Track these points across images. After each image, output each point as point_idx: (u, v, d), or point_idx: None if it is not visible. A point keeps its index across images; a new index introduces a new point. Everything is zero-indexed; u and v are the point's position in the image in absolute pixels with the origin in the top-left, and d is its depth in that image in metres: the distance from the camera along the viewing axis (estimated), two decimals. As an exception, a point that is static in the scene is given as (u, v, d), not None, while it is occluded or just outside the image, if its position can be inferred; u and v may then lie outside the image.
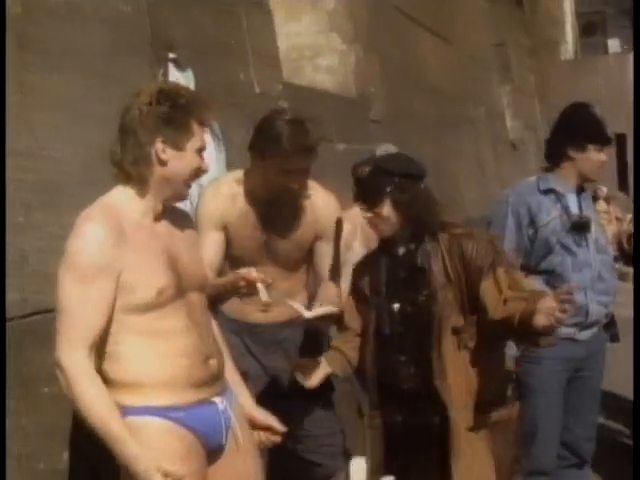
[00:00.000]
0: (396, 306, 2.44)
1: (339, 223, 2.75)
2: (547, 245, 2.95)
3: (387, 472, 2.53)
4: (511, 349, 2.86)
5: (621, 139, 13.73)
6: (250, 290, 2.35)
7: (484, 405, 2.38)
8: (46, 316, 2.36)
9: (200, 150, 2.00)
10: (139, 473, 1.85)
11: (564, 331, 2.81)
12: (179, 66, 3.14)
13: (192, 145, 1.97)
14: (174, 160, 1.95)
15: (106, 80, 2.82)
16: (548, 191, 3.02)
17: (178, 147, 1.94)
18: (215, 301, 2.46)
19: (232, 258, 2.65)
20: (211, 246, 2.59)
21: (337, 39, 5.63)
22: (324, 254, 2.73)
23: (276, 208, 2.61)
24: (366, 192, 2.43)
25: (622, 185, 15.41)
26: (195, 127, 1.97)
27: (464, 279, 2.38)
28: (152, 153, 1.93)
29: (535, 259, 2.99)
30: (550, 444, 3.00)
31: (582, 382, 3.06)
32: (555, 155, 3.06)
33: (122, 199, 1.98)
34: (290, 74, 5.23)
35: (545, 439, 2.98)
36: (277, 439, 2.23)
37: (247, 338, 2.72)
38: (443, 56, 7.61)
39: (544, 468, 3.01)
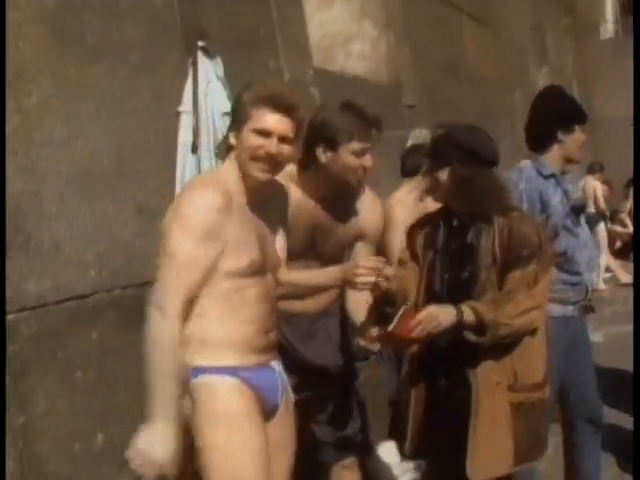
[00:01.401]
0: (445, 276, 2.47)
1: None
2: (554, 229, 2.98)
3: (422, 439, 2.57)
4: None
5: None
6: (367, 282, 2.33)
7: (516, 386, 2.40)
8: (79, 302, 2.45)
9: (262, 133, 2.13)
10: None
11: (569, 309, 3.01)
12: (208, 54, 3.17)
13: (248, 127, 2.12)
14: (238, 144, 2.15)
15: (139, 71, 2.87)
16: (549, 176, 3.02)
17: (240, 131, 2.14)
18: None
19: None
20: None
21: (369, 26, 5.60)
22: (360, 254, 2.76)
23: (328, 206, 2.65)
24: (432, 153, 2.50)
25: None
26: (255, 112, 2.12)
27: (503, 261, 2.39)
28: (226, 138, 2.19)
29: None
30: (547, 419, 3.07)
31: (581, 350, 3.14)
32: (543, 139, 3.05)
33: (228, 175, 2.17)
34: (322, 61, 5.24)
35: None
36: None
37: (284, 326, 2.76)
38: (481, 41, 7.52)
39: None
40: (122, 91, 2.76)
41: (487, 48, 7.67)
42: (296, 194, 2.60)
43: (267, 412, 2.19)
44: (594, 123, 11.84)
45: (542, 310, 2.43)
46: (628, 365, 3.46)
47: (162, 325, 2.02)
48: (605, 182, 10.48)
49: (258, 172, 2.15)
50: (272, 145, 2.13)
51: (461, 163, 2.42)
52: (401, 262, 2.60)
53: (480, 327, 2.30)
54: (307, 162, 2.61)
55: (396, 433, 2.74)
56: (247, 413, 2.09)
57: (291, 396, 2.31)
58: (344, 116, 2.53)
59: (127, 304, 2.62)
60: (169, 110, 2.93)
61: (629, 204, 10.46)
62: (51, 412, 2.30)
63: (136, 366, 2.59)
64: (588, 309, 3.15)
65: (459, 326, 2.31)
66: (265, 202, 2.26)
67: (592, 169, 10.32)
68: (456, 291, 2.42)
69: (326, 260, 2.68)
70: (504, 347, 2.41)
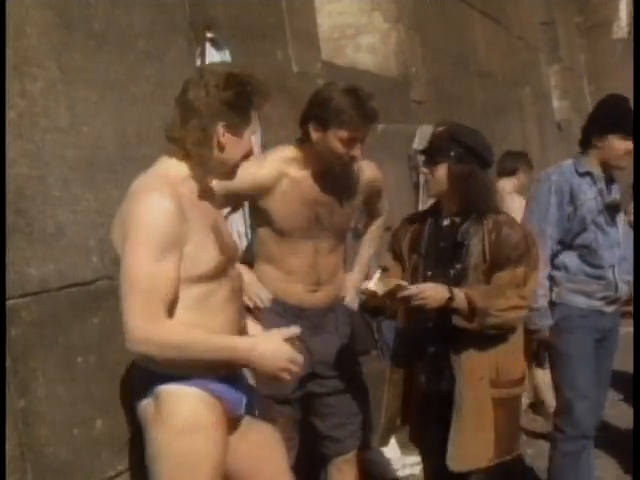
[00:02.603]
0: (429, 273, 2.50)
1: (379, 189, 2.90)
2: (583, 223, 3.14)
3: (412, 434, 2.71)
4: (547, 319, 3.13)
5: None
6: None
7: (498, 381, 2.47)
8: (81, 288, 2.45)
9: (251, 135, 2.09)
10: (268, 361, 2.01)
11: (594, 303, 3.15)
12: (217, 46, 3.16)
13: (249, 133, 2.05)
14: (231, 145, 2.02)
15: (146, 59, 2.86)
16: (585, 174, 3.19)
17: (237, 133, 2.01)
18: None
19: (280, 233, 2.65)
20: None
21: (379, 18, 5.59)
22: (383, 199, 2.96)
23: (329, 181, 2.65)
24: (431, 148, 2.56)
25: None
26: (253, 115, 2.05)
27: (492, 261, 2.46)
28: (214, 136, 1.99)
29: (572, 234, 3.17)
30: (591, 406, 3.18)
31: (603, 352, 3.25)
32: (583, 142, 3.27)
33: (177, 172, 2.03)
34: (331, 53, 5.23)
35: (586, 401, 3.16)
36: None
37: (294, 321, 2.76)
38: (492, 37, 7.48)
39: (587, 431, 3.19)
40: (127, 78, 2.75)
41: (498, 44, 7.64)
42: (294, 172, 2.60)
43: (231, 422, 2.14)
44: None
45: (526, 310, 2.53)
46: (628, 365, 3.48)
47: (162, 331, 1.95)
48: None
49: (231, 175, 2.10)
50: (253, 149, 2.17)
51: (458, 160, 2.48)
52: (384, 269, 2.63)
53: (470, 313, 2.35)
54: (302, 135, 2.62)
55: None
56: (210, 427, 2.03)
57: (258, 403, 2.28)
58: (342, 100, 2.51)
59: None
60: (174, 97, 2.92)
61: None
62: (51, 397, 2.30)
63: (135, 355, 2.61)
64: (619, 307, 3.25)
65: (448, 309, 2.35)
66: (210, 191, 2.17)
67: None
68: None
69: (336, 232, 2.70)
70: (489, 341, 2.47)
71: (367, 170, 2.78)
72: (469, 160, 2.49)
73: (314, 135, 2.56)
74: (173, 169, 2.04)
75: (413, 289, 2.34)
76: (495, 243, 2.46)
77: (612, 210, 3.20)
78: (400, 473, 3.82)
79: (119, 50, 2.74)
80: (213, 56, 3.18)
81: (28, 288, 2.28)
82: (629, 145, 3.17)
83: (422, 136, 5.36)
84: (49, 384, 2.30)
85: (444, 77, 6.11)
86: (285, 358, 2.04)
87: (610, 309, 3.22)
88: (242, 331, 2.15)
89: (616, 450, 3.91)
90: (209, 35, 3.16)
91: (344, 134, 2.52)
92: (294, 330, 2.10)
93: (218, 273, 2.04)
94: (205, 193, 2.09)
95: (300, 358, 2.08)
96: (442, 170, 2.50)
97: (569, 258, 3.16)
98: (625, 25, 15.70)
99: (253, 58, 3.51)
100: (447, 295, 2.36)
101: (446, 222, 2.57)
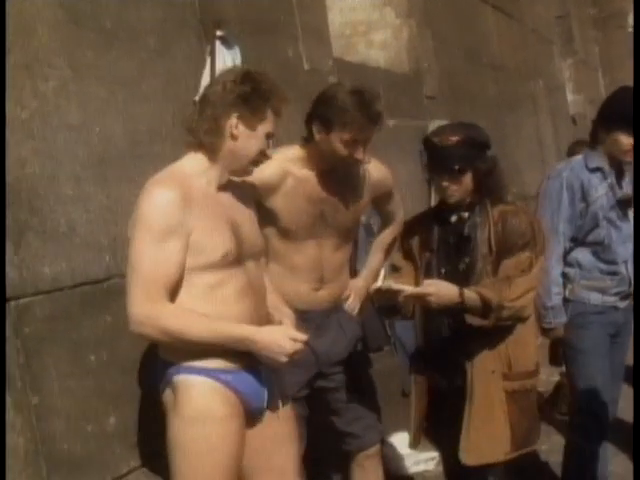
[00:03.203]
0: (442, 270, 2.52)
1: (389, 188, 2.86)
2: (595, 219, 3.12)
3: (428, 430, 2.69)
4: (562, 316, 3.12)
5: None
6: None
7: (511, 374, 2.48)
8: (94, 286, 2.47)
9: (269, 135, 2.13)
10: (272, 348, 2.04)
11: (609, 299, 3.14)
12: (226, 43, 3.16)
13: (263, 128, 2.10)
14: (244, 137, 2.09)
15: (156, 56, 2.88)
16: (596, 169, 3.16)
17: (250, 126, 2.08)
18: None
19: (285, 232, 2.65)
20: None
21: (391, 14, 5.57)
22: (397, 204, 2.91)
23: (334, 179, 2.64)
24: (451, 160, 2.47)
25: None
26: (269, 113, 2.10)
27: (498, 251, 2.47)
28: (226, 126, 2.07)
29: (584, 231, 3.14)
30: (607, 401, 3.17)
31: (617, 347, 3.24)
32: (592, 136, 3.26)
33: (191, 167, 2.11)
34: (343, 50, 5.22)
35: (603, 397, 3.14)
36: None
37: (299, 323, 2.76)
38: (505, 32, 7.44)
39: (604, 426, 3.19)
40: (138, 75, 2.77)
41: (511, 37, 7.59)
42: (299, 171, 2.60)
43: (251, 414, 2.17)
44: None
45: (535, 292, 2.53)
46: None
47: (162, 326, 1.99)
48: None
49: (250, 171, 2.17)
50: (269, 147, 2.16)
51: (482, 160, 2.49)
52: (395, 268, 2.65)
53: (485, 310, 2.33)
54: (307, 134, 2.61)
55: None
56: (221, 418, 2.06)
57: (278, 398, 2.26)
58: (347, 102, 2.48)
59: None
60: (185, 94, 2.93)
61: None
62: (64, 393, 2.32)
63: (148, 350, 2.63)
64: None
65: (460, 309, 2.34)
66: (238, 187, 2.22)
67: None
68: (454, 282, 2.44)
69: (340, 231, 2.70)
70: (497, 334, 2.47)
71: (374, 170, 2.75)
72: (484, 156, 2.50)
73: (317, 136, 2.54)
74: (189, 163, 2.12)
75: (415, 289, 2.33)
76: (502, 233, 2.46)
77: (624, 205, 3.17)
78: (414, 469, 3.82)
79: (129, 47, 2.76)
80: (223, 54, 3.17)
81: (41, 286, 2.30)
82: (628, 140, 3.09)
83: (435, 131, 5.36)
84: (62, 380, 2.32)
85: (456, 71, 6.09)
86: (286, 349, 2.06)
87: (623, 304, 3.19)
88: (259, 324, 2.15)
89: (629, 444, 3.89)
90: (219, 33, 3.15)
91: (346, 136, 2.49)
92: (302, 336, 2.11)
93: (227, 263, 2.07)
94: (225, 187, 2.15)
95: (301, 350, 2.10)
96: (468, 178, 2.48)
97: (582, 255, 3.14)
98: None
99: (264, 55, 3.51)
100: (457, 298, 2.34)
101: (454, 218, 2.56)
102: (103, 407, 2.44)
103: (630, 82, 3.76)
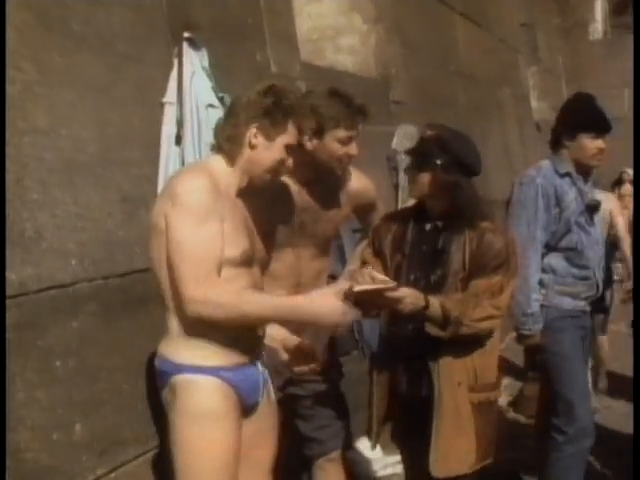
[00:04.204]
0: (412, 277, 2.50)
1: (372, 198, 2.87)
2: (567, 224, 3.15)
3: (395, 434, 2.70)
4: (540, 323, 3.14)
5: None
6: None
7: (477, 386, 2.48)
8: (61, 291, 2.43)
9: (288, 147, 2.22)
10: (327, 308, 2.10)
11: (579, 304, 3.18)
12: (194, 45, 3.14)
13: (282, 140, 2.20)
14: (262, 147, 2.19)
15: (125, 60, 2.85)
16: (565, 174, 3.19)
17: (269, 137, 2.18)
18: None
19: None
20: None
21: (359, 19, 5.59)
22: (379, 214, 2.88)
23: (314, 190, 2.64)
24: (417, 152, 2.52)
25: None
26: (290, 127, 2.20)
27: (471, 269, 2.45)
28: (246, 135, 2.18)
29: (557, 237, 3.17)
30: (587, 403, 3.22)
31: (584, 349, 3.30)
32: (554, 142, 3.26)
33: (216, 166, 2.20)
34: (311, 55, 5.22)
35: (583, 399, 3.19)
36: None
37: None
38: (472, 38, 7.50)
39: (589, 428, 3.20)
40: (107, 79, 2.74)
41: (478, 45, 7.66)
42: (280, 181, 2.59)
43: (247, 409, 2.24)
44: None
45: (500, 319, 2.50)
46: (628, 365, 3.54)
47: (220, 290, 2.04)
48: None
49: (269, 179, 2.25)
50: (290, 159, 2.23)
51: (443, 169, 2.44)
52: (364, 263, 2.62)
53: (444, 322, 2.34)
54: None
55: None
56: (223, 415, 2.13)
57: (272, 391, 2.35)
58: (331, 103, 2.52)
59: (109, 294, 2.60)
60: (154, 99, 2.92)
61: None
62: (30, 401, 2.28)
63: (116, 357, 2.60)
64: (600, 308, 3.36)
65: (422, 316, 2.35)
66: (259, 197, 2.29)
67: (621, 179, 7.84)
68: (425, 292, 2.43)
69: (319, 241, 2.71)
70: (466, 346, 2.47)
71: (355, 181, 2.76)
72: (454, 170, 2.44)
73: (310, 144, 2.54)
74: (213, 163, 2.21)
75: (396, 292, 2.32)
76: (476, 251, 2.44)
77: (592, 210, 3.21)
78: (382, 472, 3.83)
79: (98, 51, 2.73)
80: (191, 56, 3.15)
81: (7, 291, 2.26)
82: (600, 144, 3.16)
83: (402, 136, 5.38)
84: (28, 388, 2.28)
85: (425, 78, 6.13)
86: (340, 309, 2.12)
87: (589, 308, 3.25)
88: (255, 330, 2.24)
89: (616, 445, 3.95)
90: (187, 35, 3.13)
91: (342, 133, 2.52)
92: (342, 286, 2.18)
93: (242, 262, 2.14)
94: (243, 192, 2.23)
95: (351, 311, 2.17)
96: (426, 178, 2.47)
97: (556, 260, 3.16)
98: (600, 25, 15.86)
99: (232, 59, 3.51)
100: (422, 303, 2.35)
101: (429, 226, 2.54)
102: (70, 415, 2.40)
103: (595, 90, 3.80)
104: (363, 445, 3.86)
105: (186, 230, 2.03)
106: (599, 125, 3.18)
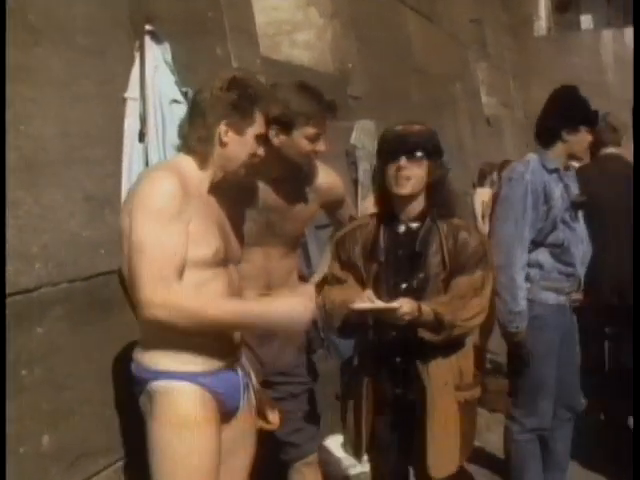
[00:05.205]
0: (392, 283, 2.45)
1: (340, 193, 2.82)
2: (554, 222, 3.13)
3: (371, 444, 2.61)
4: (526, 319, 3.12)
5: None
6: None
7: (462, 384, 2.48)
8: (24, 296, 2.32)
9: (259, 137, 2.16)
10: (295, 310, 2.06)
11: (561, 299, 3.18)
12: (156, 39, 3.05)
13: (252, 131, 2.14)
14: (234, 143, 2.13)
15: (86, 55, 2.74)
16: (553, 170, 3.16)
17: (239, 132, 2.12)
18: None
19: None
20: None
21: (315, 14, 5.55)
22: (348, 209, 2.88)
23: (281, 188, 2.59)
24: (411, 146, 2.39)
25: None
26: (258, 116, 2.14)
27: (451, 267, 2.42)
28: (216, 134, 2.11)
29: (543, 234, 3.14)
30: (551, 401, 3.25)
31: (570, 337, 3.30)
32: (549, 136, 3.19)
33: (186, 167, 2.12)
34: (267, 49, 5.15)
35: (549, 397, 3.22)
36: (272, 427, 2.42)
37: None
38: (424, 34, 7.54)
39: (547, 425, 3.25)
40: (68, 74, 2.63)
41: (430, 40, 7.70)
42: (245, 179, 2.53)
43: (227, 414, 2.19)
44: (528, 118, 12.09)
45: (485, 315, 2.49)
46: None
47: (179, 309, 1.95)
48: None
49: (243, 173, 2.18)
50: (260, 149, 2.17)
51: (436, 162, 2.43)
52: (339, 280, 2.53)
53: (437, 327, 2.32)
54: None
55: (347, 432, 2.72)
56: (203, 422, 2.07)
57: (252, 394, 2.30)
58: (301, 98, 2.46)
59: (74, 298, 2.50)
60: (117, 95, 2.81)
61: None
62: (-5, 413, 2.17)
63: (84, 363, 2.50)
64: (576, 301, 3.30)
65: (415, 323, 2.31)
66: (226, 192, 2.22)
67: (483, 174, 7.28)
68: (409, 296, 2.38)
69: (288, 239, 2.66)
70: (451, 347, 2.46)
71: (323, 177, 2.71)
72: (440, 159, 2.45)
73: (277, 140, 2.48)
74: (183, 162, 2.14)
75: (389, 305, 2.26)
76: (454, 250, 2.41)
77: (576, 206, 3.20)
78: (352, 471, 3.80)
79: (58, 46, 2.62)
80: (153, 50, 3.06)
81: (-32, 298, 2.15)
82: (590, 137, 3.20)
83: (360, 131, 5.36)
84: (-8, 399, 2.17)
85: (381, 73, 6.12)
86: (310, 305, 2.10)
87: (569, 303, 3.25)
88: (234, 333, 2.20)
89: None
90: (148, 28, 3.04)
91: (311, 131, 2.46)
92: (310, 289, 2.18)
93: (215, 262, 2.08)
94: (215, 189, 2.17)
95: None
96: (419, 172, 2.40)
97: (542, 256, 3.14)
98: (544, 22, 16.17)
99: (194, 53, 3.42)
100: (416, 313, 2.30)
101: (402, 228, 2.47)
102: (37, 426, 2.30)
103: (540, 88, 3.83)
104: (330, 444, 3.83)
105: (147, 231, 1.97)
106: (595, 119, 3.23)
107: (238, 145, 2.13)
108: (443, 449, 2.42)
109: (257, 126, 2.14)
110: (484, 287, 2.42)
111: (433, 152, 2.42)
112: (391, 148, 2.43)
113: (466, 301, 2.37)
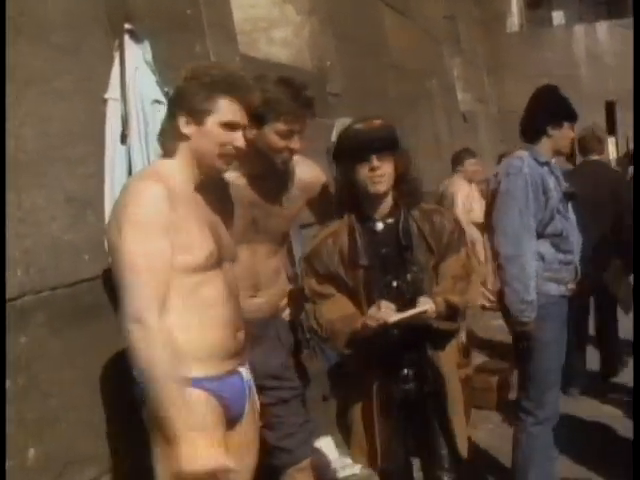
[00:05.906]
0: (383, 284, 2.41)
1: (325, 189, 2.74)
2: (552, 212, 3.20)
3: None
4: (535, 310, 3.14)
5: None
6: None
7: (461, 362, 2.56)
8: (7, 305, 2.24)
9: (229, 126, 2.05)
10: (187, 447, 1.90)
11: (562, 289, 3.23)
12: (135, 37, 2.98)
13: (214, 119, 2.04)
14: (197, 134, 2.04)
15: (63, 52, 2.65)
16: (544, 164, 3.26)
17: (199, 122, 2.03)
18: None
19: None
20: None
21: (292, 11, 5.49)
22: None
23: (265, 184, 2.53)
24: (378, 142, 2.36)
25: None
26: (223, 103, 2.03)
27: (438, 250, 2.44)
28: (175, 127, 2.04)
29: (543, 224, 3.20)
30: (557, 390, 3.30)
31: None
32: (534, 132, 3.31)
33: (166, 168, 2.06)
34: (244, 46, 5.08)
35: (556, 386, 3.27)
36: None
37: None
38: (400, 30, 7.52)
39: (556, 414, 3.28)
40: (47, 72, 2.54)
41: (406, 36, 7.69)
42: (227, 175, 2.46)
43: (233, 418, 2.14)
44: (503, 113, 12.15)
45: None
46: None
47: (152, 341, 1.87)
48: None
49: (222, 165, 2.10)
50: (239, 139, 2.08)
51: (400, 155, 2.41)
52: (322, 295, 2.44)
53: (452, 314, 2.34)
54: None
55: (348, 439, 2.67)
56: (209, 427, 2.01)
57: (256, 398, 2.27)
58: (278, 92, 2.39)
59: (58, 305, 2.42)
60: (98, 93, 2.73)
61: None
62: (-22, 425, 2.09)
63: (69, 370, 2.42)
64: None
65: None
66: (212, 189, 2.17)
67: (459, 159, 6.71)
68: (406, 294, 2.38)
69: (273, 236, 2.61)
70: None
71: (307, 172, 2.65)
72: (404, 152, 2.45)
73: (249, 133, 2.41)
74: (162, 166, 2.08)
75: (425, 307, 2.26)
76: (432, 233, 2.42)
77: (568, 197, 3.30)
78: (341, 474, 3.76)
79: (34, 44, 2.53)
80: (133, 49, 2.98)
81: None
82: (572, 133, 3.37)
83: (340, 129, 5.31)
84: (-24, 411, 2.08)
85: (359, 70, 6.08)
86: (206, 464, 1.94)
87: (568, 292, 3.28)
88: (239, 328, 2.14)
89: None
90: (127, 27, 2.96)
91: (282, 127, 2.40)
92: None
93: (209, 266, 2.03)
94: (201, 188, 2.11)
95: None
96: (392, 164, 2.39)
97: (544, 247, 3.18)
98: (517, 18, 16.27)
99: (173, 50, 3.34)
100: (440, 307, 2.31)
101: (379, 226, 2.43)
102: (23, 439, 2.21)
103: (513, 83, 3.98)
104: (320, 446, 3.78)
105: (136, 242, 1.91)
106: (575, 114, 3.36)
107: (201, 136, 2.04)
108: (463, 429, 2.46)
109: (221, 114, 2.04)
110: (471, 263, 2.45)
111: (397, 145, 2.41)
112: (360, 147, 2.37)
113: (468, 280, 2.39)
